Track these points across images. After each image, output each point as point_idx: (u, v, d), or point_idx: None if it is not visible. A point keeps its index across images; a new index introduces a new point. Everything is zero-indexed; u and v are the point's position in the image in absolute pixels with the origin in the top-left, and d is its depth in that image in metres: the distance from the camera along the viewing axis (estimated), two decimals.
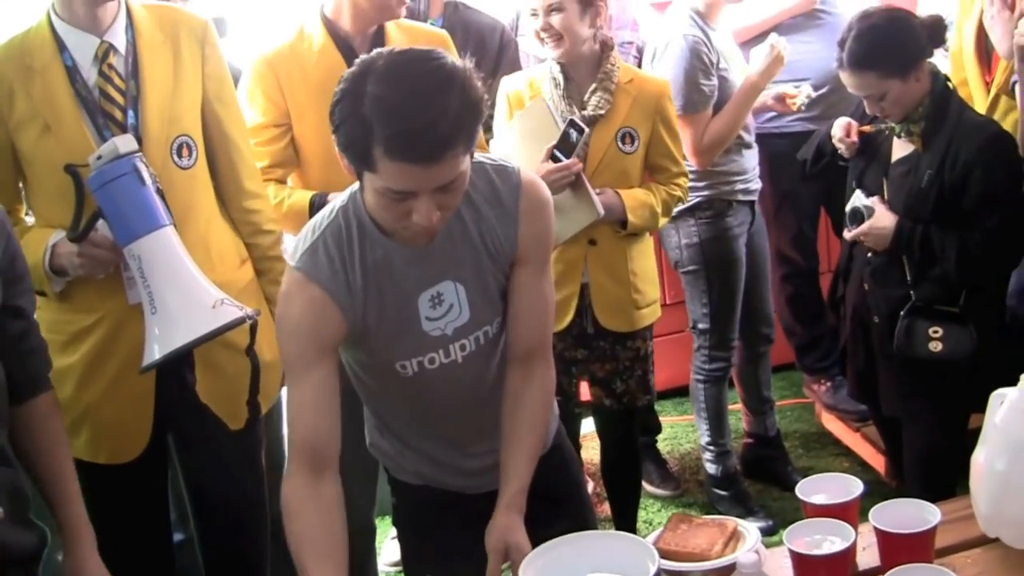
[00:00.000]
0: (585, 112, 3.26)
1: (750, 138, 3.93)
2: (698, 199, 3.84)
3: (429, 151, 1.83)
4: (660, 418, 4.59)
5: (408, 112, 1.82)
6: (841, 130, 3.21)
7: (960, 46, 3.36)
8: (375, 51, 1.96)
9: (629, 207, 3.28)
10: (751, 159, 3.93)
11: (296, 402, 2.08)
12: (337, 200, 2.13)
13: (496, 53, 3.79)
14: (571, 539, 1.92)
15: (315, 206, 2.94)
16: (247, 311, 2.50)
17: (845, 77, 2.99)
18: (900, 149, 3.05)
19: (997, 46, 3.15)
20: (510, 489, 2.14)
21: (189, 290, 2.47)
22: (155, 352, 2.42)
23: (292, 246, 2.13)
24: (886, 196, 3.03)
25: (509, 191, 2.15)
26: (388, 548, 4.00)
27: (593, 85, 3.28)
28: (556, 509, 2.29)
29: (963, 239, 2.89)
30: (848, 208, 3.10)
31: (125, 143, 2.42)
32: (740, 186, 3.88)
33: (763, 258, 4.14)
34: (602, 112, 3.26)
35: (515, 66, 3.80)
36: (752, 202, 3.97)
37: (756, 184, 3.96)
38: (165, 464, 2.78)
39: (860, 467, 4.15)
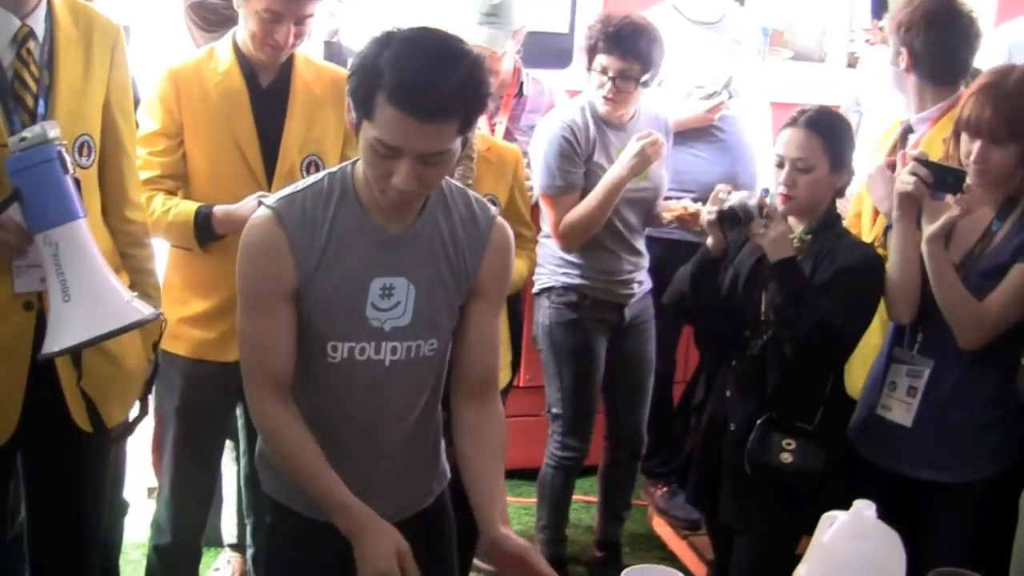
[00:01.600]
0: (452, 180, 3.31)
1: (636, 244, 3.98)
2: (555, 282, 3.91)
3: (426, 107, 1.97)
4: None
5: (419, 67, 1.99)
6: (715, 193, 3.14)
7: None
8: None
9: None
10: (631, 264, 3.97)
11: (257, 334, 2.20)
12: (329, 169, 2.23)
13: None
14: None
15: (200, 216, 2.98)
16: (157, 310, 2.51)
17: (790, 134, 3.06)
18: None
19: (878, 205, 3.27)
20: (500, 505, 2.24)
21: (105, 282, 2.47)
22: (62, 340, 2.40)
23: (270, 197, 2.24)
24: (763, 306, 3.09)
25: (485, 220, 2.28)
26: None
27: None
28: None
29: (827, 316, 2.93)
30: (729, 206, 3.06)
31: (52, 128, 2.40)
32: (604, 285, 3.93)
33: (636, 366, 4.13)
34: (470, 182, 3.30)
35: None
36: (621, 306, 3.99)
37: (631, 290, 3.99)
38: (14, 459, 2.71)
39: (684, 573, 4.20)
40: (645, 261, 4.04)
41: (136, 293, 2.53)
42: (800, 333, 2.94)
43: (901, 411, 3.03)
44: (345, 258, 2.16)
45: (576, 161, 3.76)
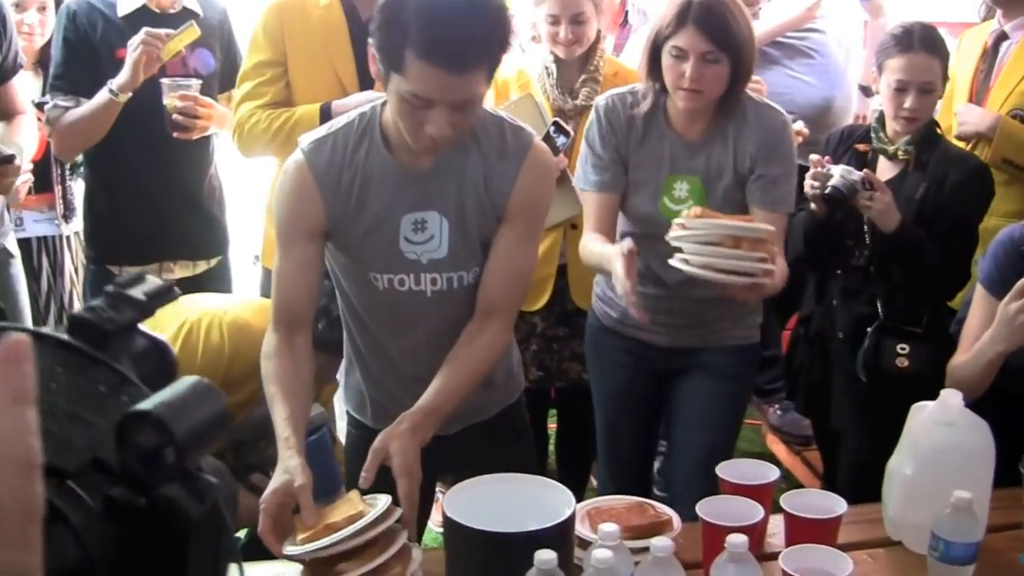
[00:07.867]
0: (577, 101, 3.35)
1: None
2: None
3: (457, 59, 1.99)
4: None
5: (445, 20, 1.98)
6: (813, 166, 3.09)
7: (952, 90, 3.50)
8: None
9: None
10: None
11: (279, 269, 2.27)
12: (360, 108, 2.29)
13: None
14: (496, 479, 2.00)
15: (324, 110, 3.12)
16: None
17: (910, 59, 3.00)
18: (884, 172, 3.13)
19: (966, 134, 3.37)
20: (418, 407, 2.15)
21: None
22: None
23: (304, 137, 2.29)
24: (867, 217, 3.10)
25: (518, 148, 2.27)
26: None
27: (583, 76, 3.37)
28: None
29: (947, 251, 3.01)
30: (832, 187, 3.01)
31: None
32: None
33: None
34: (591, 103, 3.31)
35: None
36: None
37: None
38: None
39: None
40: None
41: None
42: (935, 263, 3.01)
43: None
44: (372, 196, 2.22)
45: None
